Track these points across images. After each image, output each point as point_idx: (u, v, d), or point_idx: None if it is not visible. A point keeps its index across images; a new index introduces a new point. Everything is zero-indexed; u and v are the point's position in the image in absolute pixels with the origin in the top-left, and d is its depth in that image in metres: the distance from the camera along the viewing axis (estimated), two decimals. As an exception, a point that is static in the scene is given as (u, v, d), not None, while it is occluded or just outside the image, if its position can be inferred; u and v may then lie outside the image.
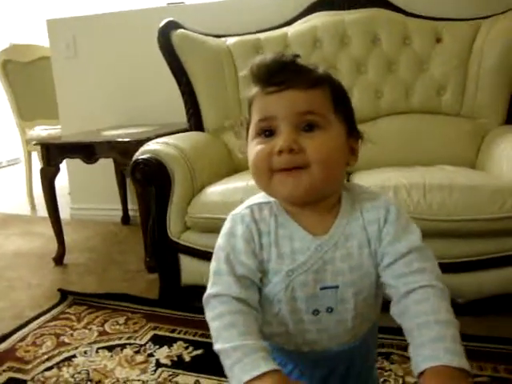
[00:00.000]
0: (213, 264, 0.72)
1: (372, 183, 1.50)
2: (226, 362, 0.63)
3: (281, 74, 0.67)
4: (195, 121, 2.18)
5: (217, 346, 0.65)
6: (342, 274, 0.70)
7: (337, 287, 0.71)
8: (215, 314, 0.67)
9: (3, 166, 5.34)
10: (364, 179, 1.58)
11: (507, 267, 1.54)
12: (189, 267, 1.77)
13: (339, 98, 0.71)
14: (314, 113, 0.67)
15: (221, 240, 0.73)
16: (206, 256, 1.68)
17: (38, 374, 1.46)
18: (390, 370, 1.38)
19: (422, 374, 0.60)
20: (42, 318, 1.79)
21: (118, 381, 1.40)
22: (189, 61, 2.13)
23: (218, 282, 0.69)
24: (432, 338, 0.61)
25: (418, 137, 2.02)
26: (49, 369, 1.48)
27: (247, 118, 0.73)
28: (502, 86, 1.98)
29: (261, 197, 0.75)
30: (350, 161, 0.73)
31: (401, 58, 2.11)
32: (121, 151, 2.09)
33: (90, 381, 1.41)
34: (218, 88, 2.18)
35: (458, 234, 1.53)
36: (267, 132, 0.69)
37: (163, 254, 1.80)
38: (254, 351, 0.62)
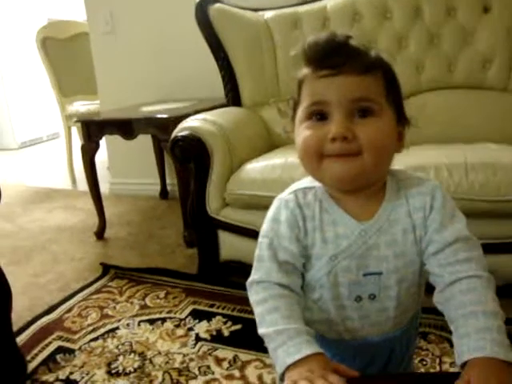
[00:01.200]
0: (256, 250, 0.72)
1: (413, 162, 1.46)
2: (270, 346, 0.63)
3: (334, 57, 0.65)
4: (233, 96, 2.17)
5: (261, 330, 0.65)
6: (386, 260, 0.70)
7: (380, 273, 0.70)
8: (258, 299, 0.67)
9: (44, 141, 5.47)
10: (404, 158, 1.51)
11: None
12: (227, 243, 1.79)
13: (391, 83, 0.69)
14: (367, 99, 0.65)
15: (265, 226, 0.73)
16: (244, 232, 1.71)
17: (85, 344, 1.53)
18: (427, 349, 1.38)
19: (465, 364, 0.59)
20: (86, 291, 1.86)
21: (159, 353, 1.45)
22: (226, 35, 2.11)
23: (259, 268, 0.70)
24: (478, 328, 0.60)
25: (461, 113, 1.96)
26: (94, 339, 1.54)
27: (295, 97, 0.71)
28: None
29: (306, 182, 0.74)
30: (397, 147, 0.72)
31: (444, 31, 2.02)
32: (160, 127, 2.12)
33: (134, 352, 1.46)
34: (256, 63, 2.15)
35: (499, 214, 1.48)
36: (319, 116, 0.67)
37: (202, 230, 1.82)
38: (298, 334, 0.62)
